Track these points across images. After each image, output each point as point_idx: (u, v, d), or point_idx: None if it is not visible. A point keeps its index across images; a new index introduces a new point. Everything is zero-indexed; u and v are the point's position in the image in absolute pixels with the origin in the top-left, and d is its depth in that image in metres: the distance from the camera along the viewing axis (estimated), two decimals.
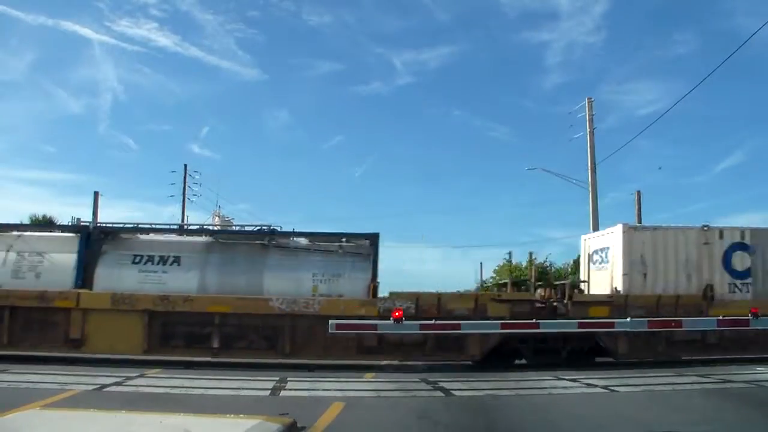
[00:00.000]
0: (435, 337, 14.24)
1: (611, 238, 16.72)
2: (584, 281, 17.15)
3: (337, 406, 8.47)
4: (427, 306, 14.46)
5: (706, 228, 16.24)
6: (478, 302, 14.82)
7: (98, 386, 10.17)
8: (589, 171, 27.93)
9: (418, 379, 12.07)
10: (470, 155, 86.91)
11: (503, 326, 14.17)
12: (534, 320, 14.23)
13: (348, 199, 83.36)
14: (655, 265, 15.87)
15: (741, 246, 16.30)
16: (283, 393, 10.23)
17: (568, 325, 14.41)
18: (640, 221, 29.47)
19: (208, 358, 14.07)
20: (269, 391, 10.26)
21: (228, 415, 6.92)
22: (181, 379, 11.60)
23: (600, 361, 14.54)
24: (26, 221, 36.19)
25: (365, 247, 15.40)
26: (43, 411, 7.24)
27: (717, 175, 76.08)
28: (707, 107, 73.39)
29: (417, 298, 14.65)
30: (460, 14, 78.92)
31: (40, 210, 46.05)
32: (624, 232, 16.15)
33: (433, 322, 14.02)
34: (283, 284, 14.75)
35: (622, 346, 14.60)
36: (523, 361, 14.72)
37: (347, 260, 15.23)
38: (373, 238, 15.53)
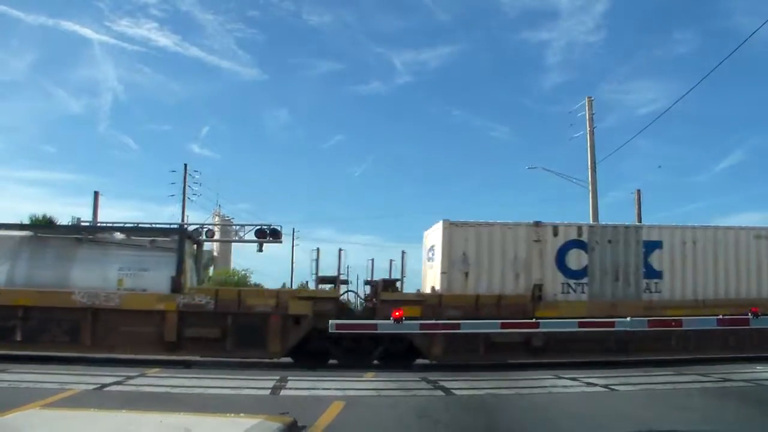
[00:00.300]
0: (236, 334, 14.23)
1: (436, 235, 15.94)
2: (398, 280, 16.45)
3: (338, 405, 8.47)
4: (226, 301, 14.49)
5: (537, 224, 15.46)
6: (279, 299, 14.66)
7: (98, 386, 10.16)
8: (589, 170, 27.92)
9: (418, 378, 12.07)
10: (470, 155, 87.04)
11: (503, 326, 14.14)
12: (534, 320, 14.20)
13: (348, 199, 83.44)
14: (479, 264, 15.12)
15: (578, 243, 15.46)
16: (283, 392, 10.23)
17: (567, 325, 14.37)
18: (640, 220, 29.48)
19: (10, 352, 14.04)
20: (269, 391, 10.27)
21: (228, 415, 6.91)
22: (181, 378, 11.62)
23: (599, 361, 14.47)
24: (26, 222, 36.25)
25: (175, 243, 15.50)
26: (43, 411, 7.24)
27: (717, 175, 76.19)
28: (707, 106, 73.49)
29: (216, 293, 14.81)
30: (460, 14, 79.05)
31: (41, 210, 46.04)
32: (444, 228, 15.32)
33: (433, 322, 14.01)
34: (91, 278, 14.86)
35: (436, 347, 14.29)
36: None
37: (154, 255, 15.36)
38: (182, 234, 15.84)
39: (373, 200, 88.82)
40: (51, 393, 9.08)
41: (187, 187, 43.24)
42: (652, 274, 15.65)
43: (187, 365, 13.95)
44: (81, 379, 10.73)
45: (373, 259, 15.96)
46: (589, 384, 11.10)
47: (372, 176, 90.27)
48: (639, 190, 31.65)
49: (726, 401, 9.39)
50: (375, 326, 13.92)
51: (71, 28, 76.75)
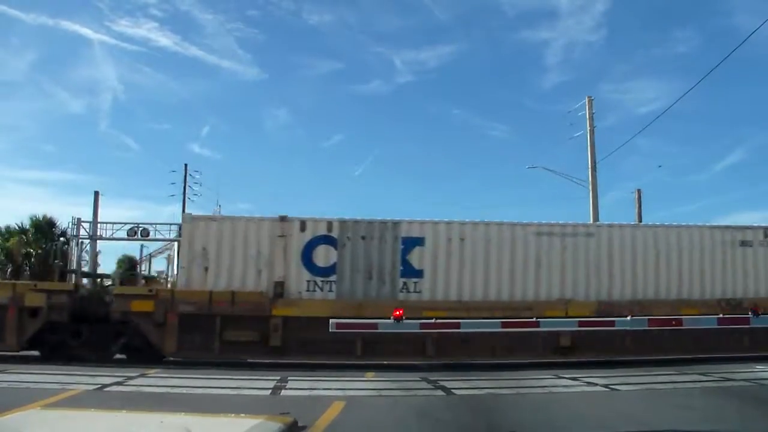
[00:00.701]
0: None
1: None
2: (130, 274, 16.16)
3: (338, 405, 8.46)
4: None
5: (283, 219, 14.83)
6: (15, 291, 14.53)
7: (99, 386, 10.16)
8: (590, 170, 27.92)
9: (418, 378, 12.07)
10: (470, 154, 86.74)
11: (503, 325, 14.13)
12: (535, 319, 14.19)
13: (348, 198, 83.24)
14: (219, 259, 14.63)
15: (327, 239, 14.81)
16: (283, 392, 10.23)
17: (567, 324, 14.35)
18: (640, 219, 29.50)
19: None
20: (270, 391, 10.27)
21: (229, 415, 6.91)
22: (181, 378, 11.60)
23: (601, 360, 14.45)
24: (26, 221, 36.25)
25: None
26: (43, 411, 7.23)
27: (718, 173, 75.96)
28: (708, 105, 73.35)
29: None
30: (460, 13, 78.79)
31: (41, 210, 46.02)
32: (185, 222, 14.99)
33: (433, 321, 13.99)
34: None
35: (170, 343, 14.12)
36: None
37: None
38: None
39: (374, 199, 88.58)
40: (51, 393, 9.07)
41: (187, 186, 43.34)
42: (411, 272, 14.84)
43: (186, 365, 13.94)
44: (81, 380, 10.71)
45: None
46: (589, 384, 11.10)
47: (372, 175, 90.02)
48: (639, 190, 31.70)
49: (726, 401, 9.38)
50: (375, 325, 13.89)
51: (71, 28, 76.46)
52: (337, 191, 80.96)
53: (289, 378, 11.61)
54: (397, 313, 13.68)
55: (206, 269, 14.59)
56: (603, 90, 77.89)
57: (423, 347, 14.41)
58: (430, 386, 11.19)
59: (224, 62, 79.96)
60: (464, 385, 11.01)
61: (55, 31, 70.87)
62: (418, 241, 14.96)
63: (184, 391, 10.04)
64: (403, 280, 14.84)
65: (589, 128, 28.23)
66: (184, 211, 42.06)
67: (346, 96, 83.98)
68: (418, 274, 14.87)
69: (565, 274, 15.24)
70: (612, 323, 14.32)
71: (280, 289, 14.51)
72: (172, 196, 43.28)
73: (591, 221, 24.82)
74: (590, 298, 15.15)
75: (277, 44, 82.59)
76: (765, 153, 70.36)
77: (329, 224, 14.94)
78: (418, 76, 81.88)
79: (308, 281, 14.69)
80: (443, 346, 14.43)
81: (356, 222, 15.09)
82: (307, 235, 14.82)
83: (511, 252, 15.17)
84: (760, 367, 13.20)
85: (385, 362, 14.32)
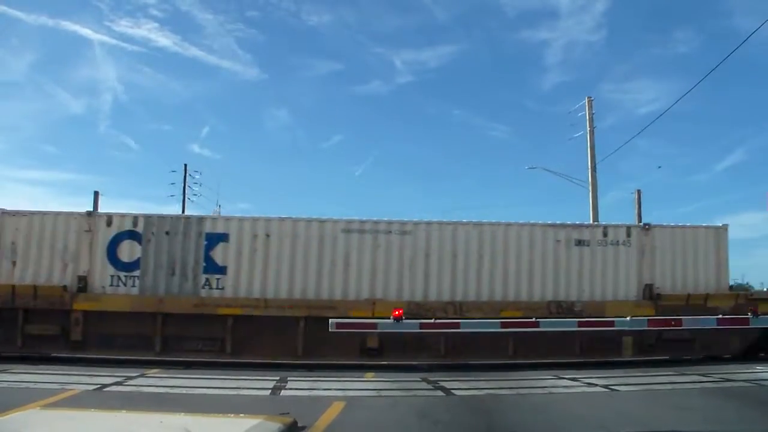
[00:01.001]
0: None
1: None
2: None
3: (338, 406, 8.47)
4: None
5: (90, 214, 14.95)
6: None
7: (98, 386, 10.17)
8: (589, 170, 27.94)
9: (419, 379, 12.08)
10: (470, 154, 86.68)
11: (503, 325, 14.13)
12: (535, 319, 14.19)
13: (348, 199, 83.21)
14: (27, 253, 14.69)
15: (132, 235, 14.88)
16: (283, 392, 10.24)
17: (567, 324, 14.34)
18: (640, 220, 29.36)
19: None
20: (270, 391, 10.27)
21: (228, 415, 6.92)
22: (181, 378, 11.62)
23: (601, 361, 14.46)
24: None
25: None
26: (42, 411, 7.24)
27: (718, 174, 75.96)
28: (708, 106, 73.37)
29: None
30: (460, 13, 78.77)
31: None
32: None
33: (433, 321, 13.98)
34: None
35: None
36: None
37: None
38: None
39: (373, 199, 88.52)
40: (51, 393, 9.08)
41: (187, 187, 43.38)
42: (214, 269, 14.82)
43: (187, 365, 13.95)
44: (81, 380, 10.73)
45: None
46: (589, 384, 11.10)
47: (372, 175, 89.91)
48: (639, 190, 31.51)
49: (726, 401, 9.39)
50: (375, 325, 13.87)
51: (71, 28, 76.35)
52: (337, 191, 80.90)
53: (288, 378, 11.62)
54: (397, 312, 13.64)
55: (14, 263, 14.66)
56: (603, 90, 77.85)
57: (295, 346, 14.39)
58: (429, 387, 11.19)
59: (224, 62, 79.89)
60: (464, 386, 11.01)
61: (55, 31, 70.88)
62: (222, 237, 14.93)
63: (184, 391, 10.05)
64: (206, 276, 14.80)
65: (589, 129, 28.27)
66: (183, 211, 42.21)
67: (346, 96, 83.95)
68: (221, 270, 14.84)
69: (375, 273, 14.97)
70: (612, 323, 14.28)
71: (83, 283, 14.58)
72: (172, 196, 43.35)
73: (591, 221, 24.81)
74: (403, 298, 14.80)
75: (276, 45, 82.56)
76: (765, 153, 70.43)
77: (135, 219, 14.98)
78: (418, 76, 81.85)
79: (112, 276, 14.74)
80: (238, 345, 14.41)
81: (161, 217, 15.16)
82: (113, 230, 14.86)
83: (318, 249, 14.97)
84: (760, 367, 13.22)
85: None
